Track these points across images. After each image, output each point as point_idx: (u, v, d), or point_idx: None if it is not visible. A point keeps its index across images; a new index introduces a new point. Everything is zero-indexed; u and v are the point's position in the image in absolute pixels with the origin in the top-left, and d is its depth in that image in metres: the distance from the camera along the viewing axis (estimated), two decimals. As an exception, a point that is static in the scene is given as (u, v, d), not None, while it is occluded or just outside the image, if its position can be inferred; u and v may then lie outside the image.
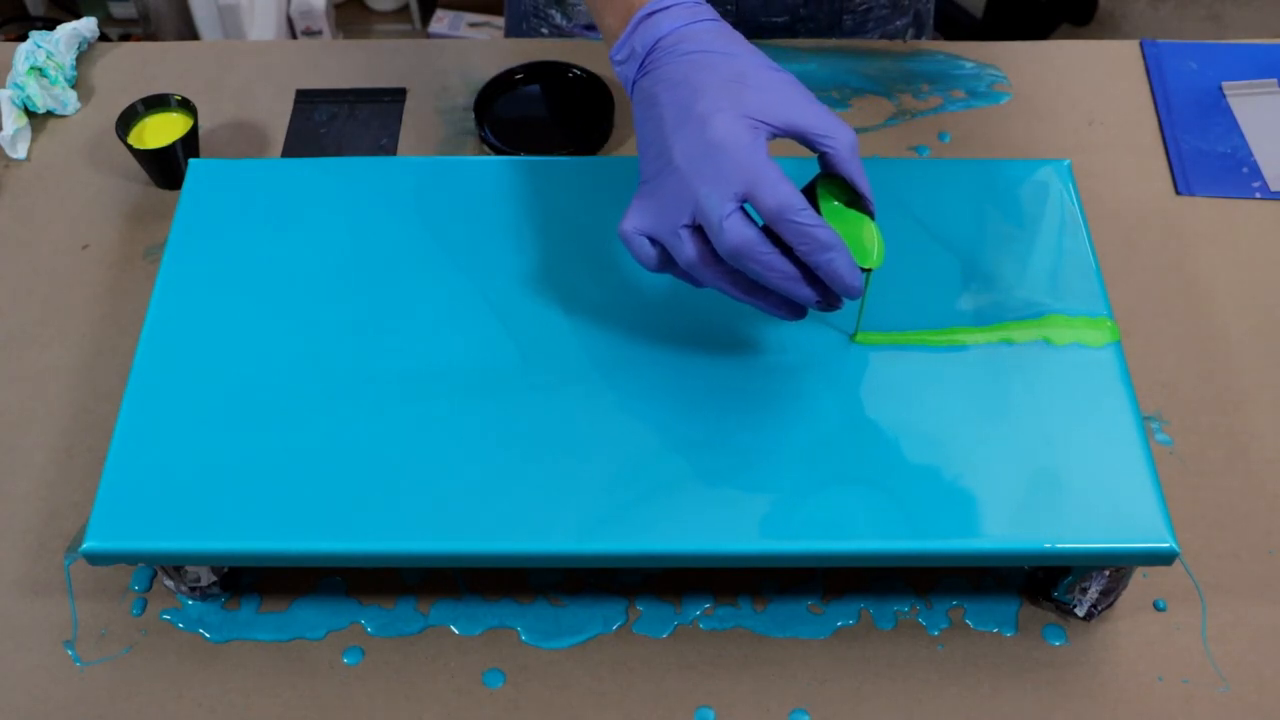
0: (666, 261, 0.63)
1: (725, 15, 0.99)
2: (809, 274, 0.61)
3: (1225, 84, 0.97)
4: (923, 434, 0.67)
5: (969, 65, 0.98)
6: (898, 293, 0.73)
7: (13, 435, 0.77)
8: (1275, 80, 0.97)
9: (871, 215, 0.64)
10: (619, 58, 0.66)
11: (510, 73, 0.95)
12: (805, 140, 0.61)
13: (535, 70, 0.95)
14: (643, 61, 0.64)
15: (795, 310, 0.64)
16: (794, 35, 1.02)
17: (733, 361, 0.70)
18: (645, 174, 0.63)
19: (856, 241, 0.63)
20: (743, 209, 0.59)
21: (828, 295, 0.62)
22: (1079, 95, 0.96)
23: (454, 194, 0.78)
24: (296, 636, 0.69)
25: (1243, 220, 0.89)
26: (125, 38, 2.03)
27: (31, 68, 0.93)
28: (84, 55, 0.99)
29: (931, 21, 1.10)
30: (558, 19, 1.02)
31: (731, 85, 0.60)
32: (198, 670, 0.68)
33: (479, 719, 0.67)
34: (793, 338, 0.71)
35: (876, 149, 0.92)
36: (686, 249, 0.61)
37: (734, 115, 0.59)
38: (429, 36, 2.21)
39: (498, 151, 0.91)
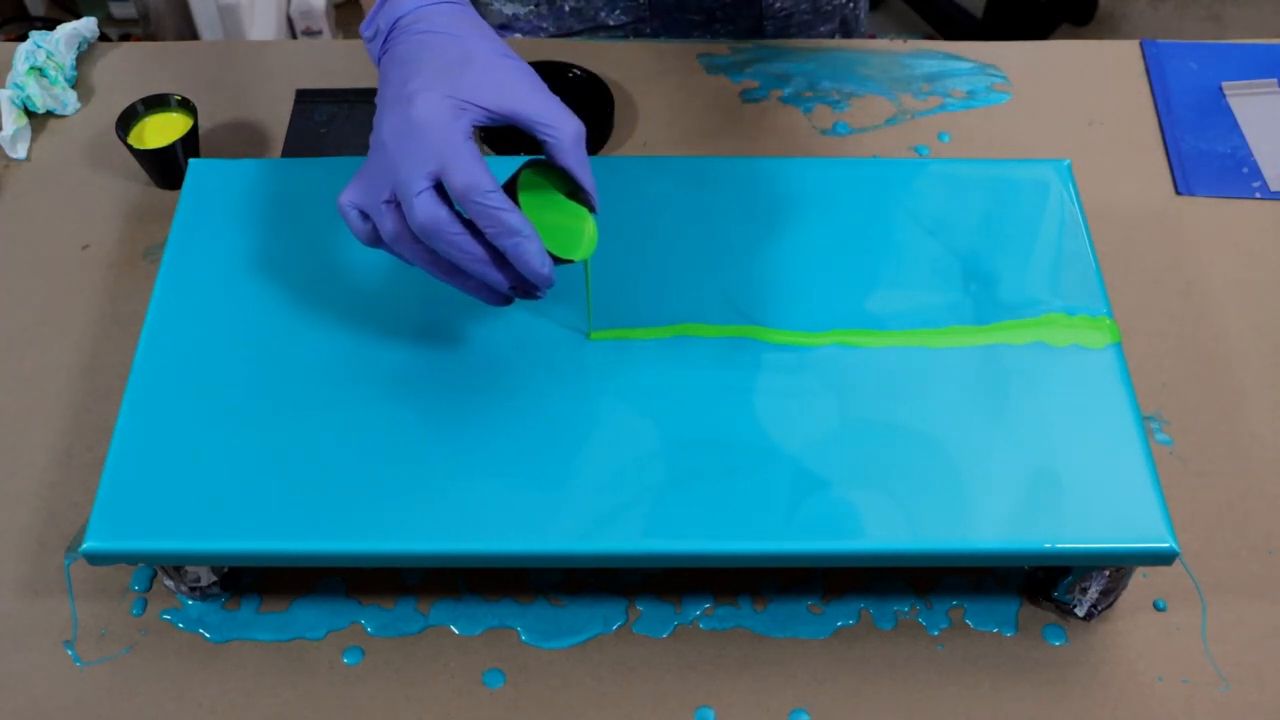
0: (377, 236, 0.63)
1: (640, 8, 1.00)
2: (501, 258, 0.61)
3: (1225, 84, 0.97)
4: (923, 434, 0.67)
5: (969, 65, 0.98)
6: (898, 293, 0.73)
7: (13, 435, 0.77)
8: (1275, 80, 0.97)
9: (592, 209, 0.64)
10: (367, 34, 0.66)
11: (510, 73, 0.95)
12: (527, 128, 0.61)
13: (535, 70, 0.95)
14: (385, 39, 0.65)
15: (495, 295, 0.64)
16: (714, 34, 1.02)
17: (732, 361, 0.70)
18: (370, 148, 0.63)
19: (567, 232, 0.63)
20: (439, 188, 0.59)
21: (523, 282, 0.62)
22: (1079, 95, 0.96)
23: (454, 194, 0.78)
24: (296, 636, 0.69)
25: (1243, 220, 0.89)
26: (125, 38, 2.03)
27: (31, 68, 0.93)
28: (84, 55, 0.99)
29: (861, 28, 1.10)
30: None
31: (452, 67, 0.61)
32: (198, 670, 0.68)
33: (479, 719, 0.67)
34: (785, 340, 0.71)
35: (876, 149, 0.92)
36: (387, 224, 0.61)
37: (440, 96, 0.60)
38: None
39: (498, 151, 0.91)
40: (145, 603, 0.70)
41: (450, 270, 0.63)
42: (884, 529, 0.63)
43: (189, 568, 0.67)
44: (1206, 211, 0.89)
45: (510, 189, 0.61)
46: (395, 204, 0.61)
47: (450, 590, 0.71)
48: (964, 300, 0.73)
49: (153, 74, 0.97)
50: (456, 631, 0.70)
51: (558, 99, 0.62)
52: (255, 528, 0.63)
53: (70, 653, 0.69)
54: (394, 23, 0.64)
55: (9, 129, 0.92)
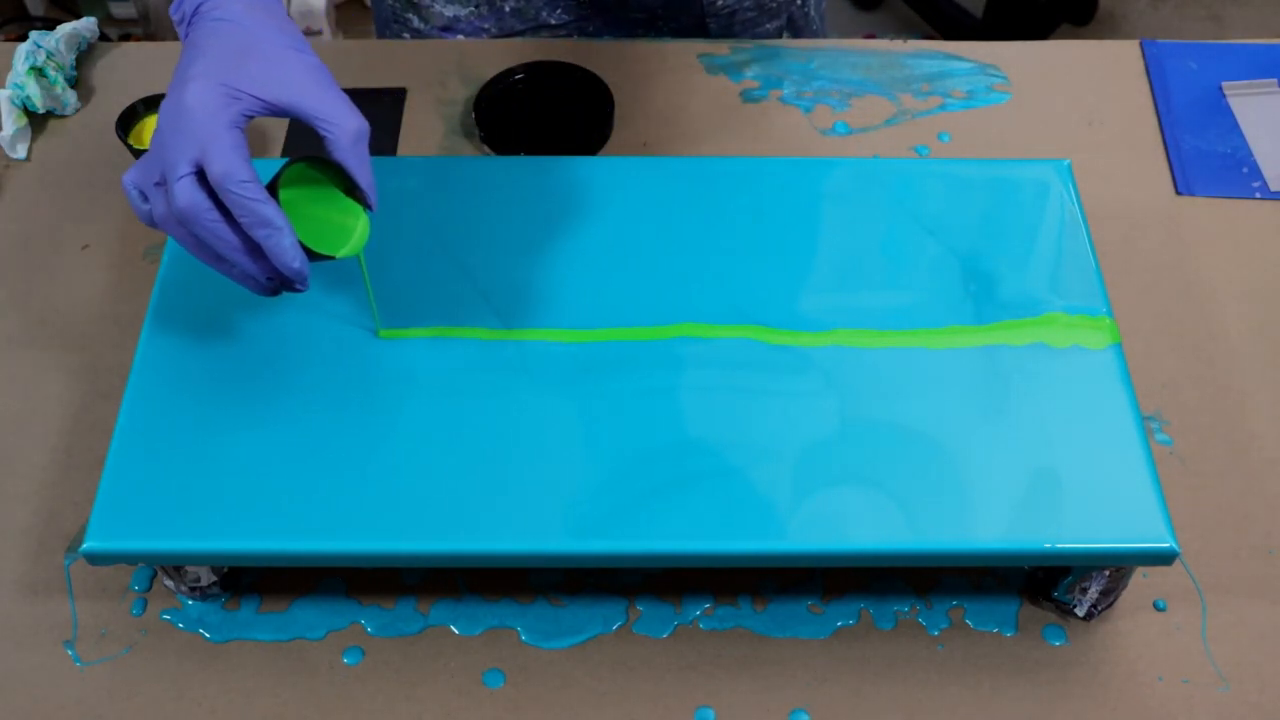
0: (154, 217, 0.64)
1: (581, 7, 0.99)
2: (258, 249, 0.61)
3: (1225, 84, 0.97)
4: (923, 434, 0.67)
5: (969, 65, 0.98)
6: (899, 293, 0.73)
7: (13, 435, 0.77)
8: (1275, 80, 0.97)
9: (368, 206, 0.64)
10: (175, 18, 0.66)
11: (510, 73, 0.95)
12: (306, 122, 0.62)
13: (535, 70, 0.95)
14: (188, 24, 0.65)
15: (258, 284, 0.64)
16: (658, 33, 1.02)
17: (732, 361, 0.70)
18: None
19: (334, 228, 0.64)
20: (197, 175, 0.60)
21: (279, 274, 0.63)
22: (1079, 95, 0.96)
23: (454, 194, 0.78)
24: (296, 636, 0.69)
25: (1243, 220, 0.89)
26: (125, 38, 2.03)
27: (31, 68, 0.93)
28: (84, 55, 0.99)
29: (814, 25, 1.09)
30: (415, 23, 1.02)
31: (234, 56, 0.61)
32: (198, 670, 0.68)
33: (479, 719, 0.67)
34: (785, 341, 0.71)
35: (876, 149, 0.92)
36: (157, 205, 0.62)
37: (213, 83, 0.60)
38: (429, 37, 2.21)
39: (498, 151, 0.91)
40: (145, 603, 0.70)
41: (213, 257, 0.63)
42: (884, 529, 0.63)
43: (189, 568, 0.67)
44: (1206, 211, 0.89)
45: (275, 181, 0.62)
46: (164, 186, 0.61)
47: (450, 590, 0.71)
48: (964, 300, 0.73)
49: (153, 74, 0.97)
50: (456, 631, 0.70)
51: (345, 97, 0.62)
52: (255, 528, 0.63)
53: (70, 653, 0.69)
54: (196, 8, 0.64)
55: (9, 129, 0.92)
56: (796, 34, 1.08)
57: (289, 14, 2.18)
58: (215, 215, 0.60)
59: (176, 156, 0.59)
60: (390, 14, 1.04)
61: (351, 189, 0.64)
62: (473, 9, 0.99)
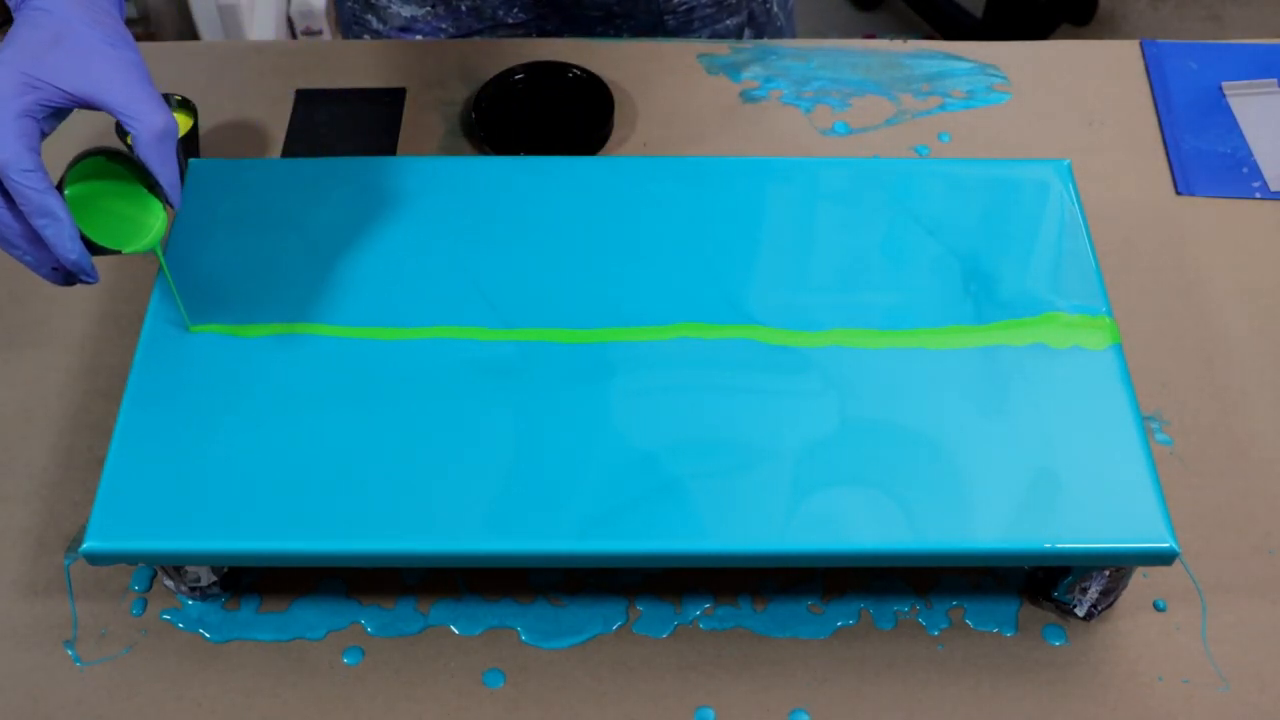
0: None
1: (539, 5, 1.00)
2: (40, 238, 0.62)
3: (1225, 84, 0.97)
4: (923, 434, 0.67)
5: (969, 65, 0.98)
6: (899, 293, 0.73)
7: (13, 435, 0.77)
8: (1275, 80, 0.97)
9: (169, 204, 0.64)
10: (12, 4, 0.66)
11: (510, 73, 0.95)
12: (113, 115, 0.61)
13: (535, 70, 0.95)
14: (17, 10, 0.64)
15: (46, 273, 0.64)
16: (617, 30, 1.02)
17: (732, 361, 0.70)
18: None
19: (129, 222, 0.64)
20: None
21: (63, 264, 0.63)
22: (1079, 95, 0.96)
23: (454, 194, 0.78)
24: (296, 636, 0.69)
25: (1243, 220, 0.89)
26: (125, 38, 2.02)
27: (31, 68, 0.93)
28: (84, 55, 0.99)
29: (778, 22, 1.08)
30: (374, 24, 1.03)
31: (40, 45, 0.61)
32: (198, 670, 0.68)
33: (479, 719, 0.67)
34: (785, 341, 0.71)
35: (876, 149, 0.92)
36: None
37: (13, 71, 0.60)
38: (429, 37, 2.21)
39: (498, 151, 0.91)
40: (145, 603, 0.70)
41: (6, 244, 0.63)
42: (884, 529, 0.63)
43: (189, 568, 0.67)
44: (1206, 211, 0.89)
45: (66, 172, 0.62)
46: None
47: (450, 590, 0.71)
48: (964, 300, 0.73)
49: (153, 74, 0.97)
50: (456, 631, 0.70)
51: (156, 95, 0.62)
52: (255, 528, 0.63)
53: (70, 653, 0.69)
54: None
55: (9, 129, 0.91)
56: (759, 31, 1.07)
57: (288, 13, 2.17)
58: (0, 202, 0.60)
59: None
60: (350, 16, 1.05)
61: (155, 185, 0.64)
62: (429, 9, 1.00)
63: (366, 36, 1.04)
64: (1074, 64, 0.99)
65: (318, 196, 0.77)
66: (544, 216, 0.76)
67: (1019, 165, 0.80)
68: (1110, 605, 0.69)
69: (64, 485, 0.75)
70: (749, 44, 1.00)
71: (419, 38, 1.01)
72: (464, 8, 0.99)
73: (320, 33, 2.09)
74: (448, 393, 0.68)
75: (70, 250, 0.61)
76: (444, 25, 1.01)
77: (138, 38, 2.13)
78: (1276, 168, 0.91)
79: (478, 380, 0.69)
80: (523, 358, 0.70)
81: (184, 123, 0.89)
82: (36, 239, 0.62)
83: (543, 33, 1.01)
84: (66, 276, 0.65)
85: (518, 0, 0.99)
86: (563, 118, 0.93)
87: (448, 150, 0.92)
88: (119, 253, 0.64)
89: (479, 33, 1.01)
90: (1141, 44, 1.00)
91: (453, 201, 0.77)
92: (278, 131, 0.94)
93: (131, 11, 1.96)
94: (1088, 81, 0.97)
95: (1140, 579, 0.71)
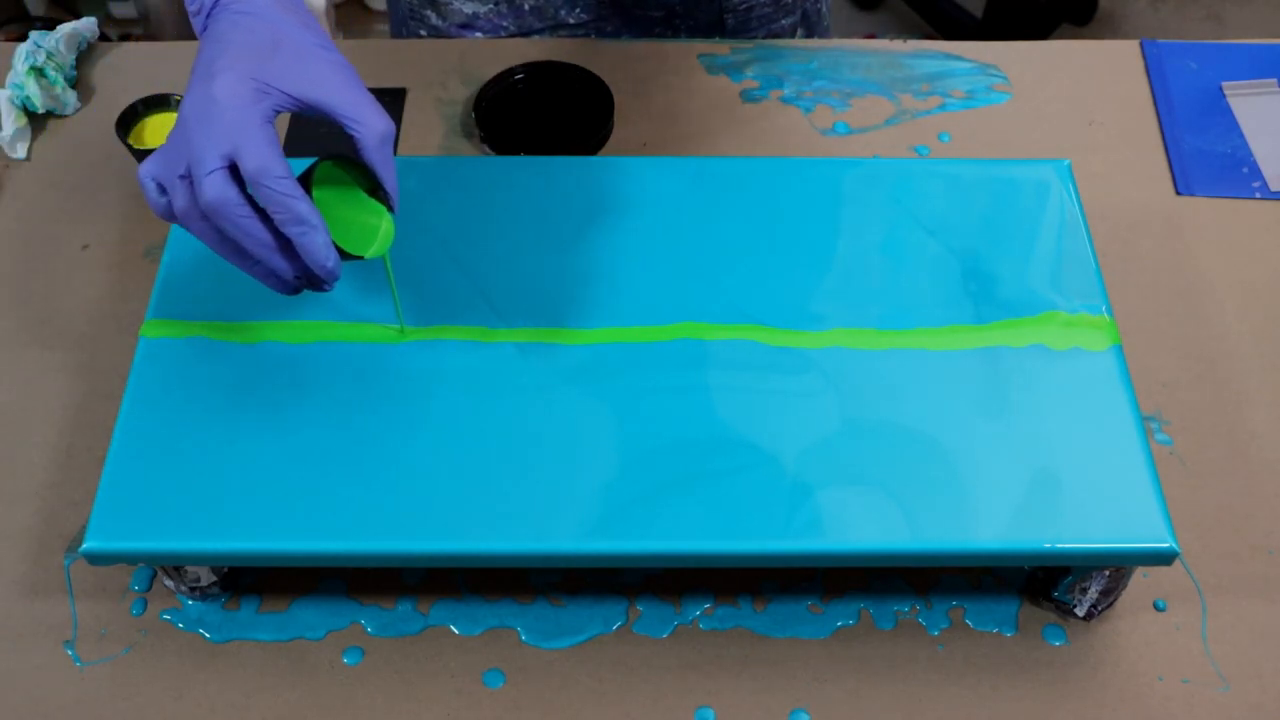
0: (172, 210, 0.62)
1: (601, 6, 0.99)
2: (288, 246, 0.61)
3: (1225, 84, 0.97)
4: (923, 434, 0.67)
5: (969, 65, 0.98)
6: (899, 293, 0.73)
7: (13, 435, 0.77)
8: (1275, 80, 0.97)
9: (390, 208, 0.64)
10: (192, 9, 0.65)
11: (510, 72, 0.95)
12: (334, 120, 0.61)
13: (535, 70, 0.95)
14: (207, 15, 0.64)
15: (282, 283, 0.63)
16: (675, 30, 1.02)
17: (732, 361, 0.70)
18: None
19: (361, 228, 0.63)
20: (229, 169, 0.59)
21: (308, 272, 0.62)
22: (1079, 95, 0.96)
23: (454, 194, 0.78)
24: (296, 636, 0.69)
25: (1243, 220, 0.89)
26: (125, 38, 2.03)
27: (31, 68, 0.93)
28: (84, 55, 0.99)
29: (825, 22, 1.10)
30: (433, 19, 1.02)
31: (261, 50, 0.60)
32: (198, 670, 0.68)
33: (479, 719, 0.67)
34: (785, 341, 0.71)
35: (876, 149, 0.92)
36: (179, 199, 0.60)
37: (242, 76, 0.59)
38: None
39: (498, 151, 0.91)
40: (145, 603, 0.70)
41: (236, 253, 0.62)
42: (884, 529, 0.63)
43: (189, 568, 0.67)
44: (1206, 211, 0.89)
45: (306, 179, 0.61)
46: (189, 180, 0.60)
47: (450, 590, 0.71)
48: (964, 300, 0.73)
49: (153, 74, 0.97)
50: (456, 631, 0.70)
51: (372, 97, 0.62)
52: (255, 528, 0.63)
53: (70, 653, 0.69)
54: (215, 1, 0.63)
55: (9, 129, 0.92)
56: (810, 30, 1.08)
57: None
58: (246, 210, 0.59)
59: (205, 150, 0.58)
60: (407, 11, 1.04)
61: (375, 189, 0.64)
62: (492, 6, 0.99)
63: (423, 32, 1.03)
64: (1074, 64, 0.99)
65: (318, 196, 0.77)
66: (544, 216, 0.76)
67: (1019, 165, 0.80)
68: (1110, 605, 0.69)
69: (64, 485, 0.75)
70: (749, 44, 1.00)
71: (479, 35, 1.01)
72: (527, 6, 0.99)
73: (320, 33, 2.09)
74: (448, 392, 0.68)
75: (327, 257, 0.60)
76: (505, 23, 1.00)
77: (137, 38, 2.14)
78: (1276, 168, 0.91)
79: (478, 380, 0.69)
80: (523, 358, 0.70)
81: (184, 123, 0.89)
82: (283, 248, 0.60)
83: (601, 34, 1.01)
84: (299, 286, 0.63)
85: (580, 1, 0.99)
86: (563, 118, 0.93)
87: (448, 150, 0.92)
88: (359, 258, 0.63)
89: (539, 32, 1.00)
90: (1141, 44, 1.00)
91: (453, 201, 0.77)
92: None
93: (131, 11, 1.96)
94: (1088, 81, 0.97)
95: (1140, 579, 0.71)
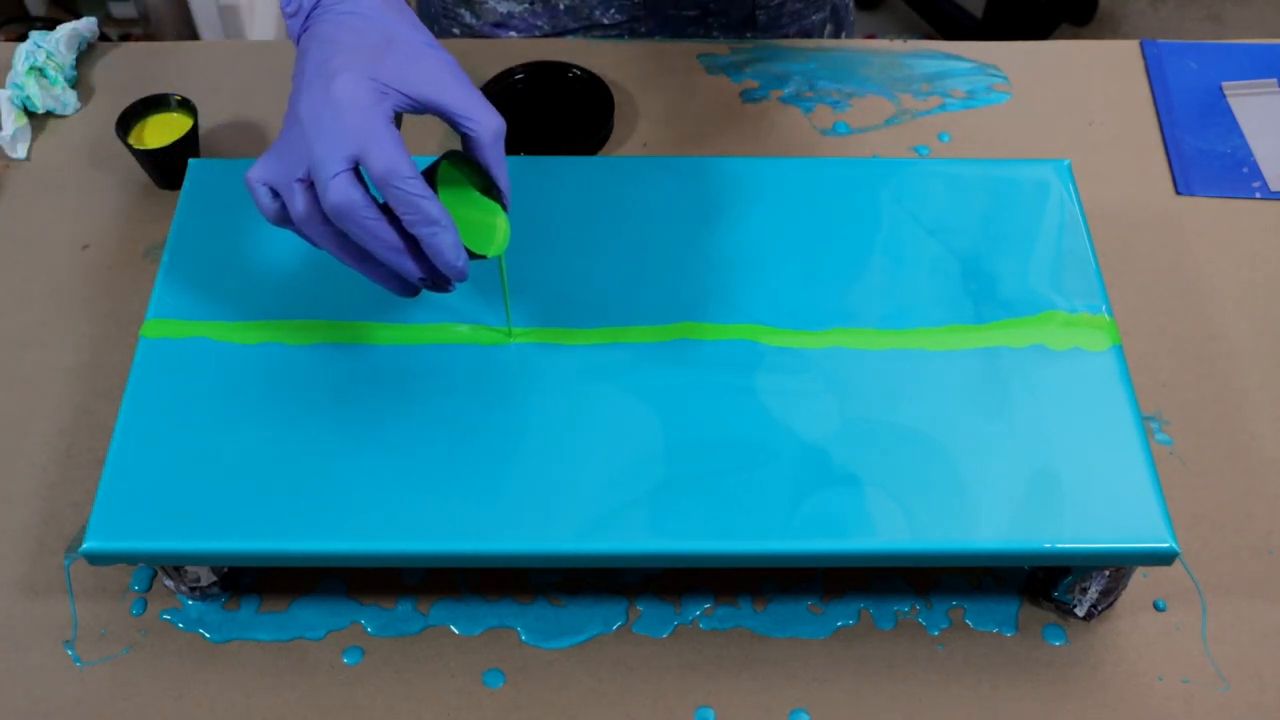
0: (285, 216, 0.62)
1: (635, 7, 0.99)
2: (415, 248, 0.60)
3: (1225, 84, 0.97)
4: (923, 434, 0.67)
5: (969, 65, 0.98)
6: (899, 293, 0.73)
7: (13, 435, 0.77)
8: (1275, 80, 0.97)
9: (504, 206, 0.64)
10: (289, 10, 0.64)
11: (510, 73, 0.95)
12: (447, 119, 0.61)
13: (535, 70, 0.95)
14: (307, 16, 0.63)
15: (404, 285, 0.63)
16: (707, 28, 1.02)
17: (732, 361, 0.70)
18: (284, 125, 0.61)
19: (481, 227, 0.63)
20: (356, 172, 0.58)
21: (434, 273, 0.61)
22: (1079, 95, 0.96)
23: (454, 194, 0.78)
24: (296, 636, 0.69)
25: (1243, 220, 0.89)
26: (125, 38, 2.03)
27: (31, 68, 0.93)
28: (84, 55, 0.99)
29: (851, 18, 1.10)
30: (467, 18, 1.02)
31: (374, 50, 0.60)
32: (198, 670, 0.68)
33: (479, 719, 0.67)
34: (785, 341, 0.71)
35: (876, 149, 0.92)
36: (298, 203, 0.59)
37: (361, 76, 0.58)
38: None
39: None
40: (145, 603, 0.70)
41: (359, 256, 0.62)
42: (884, 529, 0.63)
43: (189, 568, 0.67)
44: (1206, 211, 0.89)
45: (429, 179, 0.61)
46: (308, 183, 0.59)
47: (450, 590, 0.71)
48: (964, 300, 0.73)
49: (153, 74, 0.97)
50: (456, 631, 0.70)
51: (480, 93, 0.61)
52: (255, 528, 0.63)
53: (70, 653, 0.69)
54: (317, 1, 0.63)
55: (9, 129, 0.92)
56: (839, 26, 1.08)
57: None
58: (374, 213, 0.58)
59: (329, 152, 0.57)
60: (440, 9, 1.04)
61: (489, 188, 0.63)
62: (527, 5, 0.99)
63: (456, 30, 1.03)
64: (1074, 64, 0.99)
65: (318, 196, 0.77)
66: (544, 216, 0.76)
67: (1019, 165, 0.80)
68: (1110, 605, 0.69)
69: (64, 485, 0.75)
70: (749, 44, 1.00)
71: (513, 34, 1.01)
72: (562, 6, 0.99)
73: (320, 33, 2.09)
74: (448, 392, 0.68)
75: (457, 257, 0.59)
76: (539, 22, 1.00)
77: (137, 38, 2.14)
78: (1276, 168, 0.91)
79: (477, 380, 0.69)
80: (522, 357, 0.70)
81: (184, 123, 0.89)
82: (410, 250, 0.60)
83: (634, 34, 1.01)
84: (418, 288, 0.63)
85: (615, 1, 0.99)
86: (563, 118, 0.93)
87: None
88: (483, 257, 0.62)
89: (573, 32, 1.00)
90: (1141, 44, 1.00)
91: (453, 201, 0.77)
92: (278, 131, 0.94)
93: (131, 11, 1.96)
94: (1088, 81, 0.97)
95: (1140, 579, 0.71)
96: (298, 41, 0.64)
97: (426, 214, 0.58)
